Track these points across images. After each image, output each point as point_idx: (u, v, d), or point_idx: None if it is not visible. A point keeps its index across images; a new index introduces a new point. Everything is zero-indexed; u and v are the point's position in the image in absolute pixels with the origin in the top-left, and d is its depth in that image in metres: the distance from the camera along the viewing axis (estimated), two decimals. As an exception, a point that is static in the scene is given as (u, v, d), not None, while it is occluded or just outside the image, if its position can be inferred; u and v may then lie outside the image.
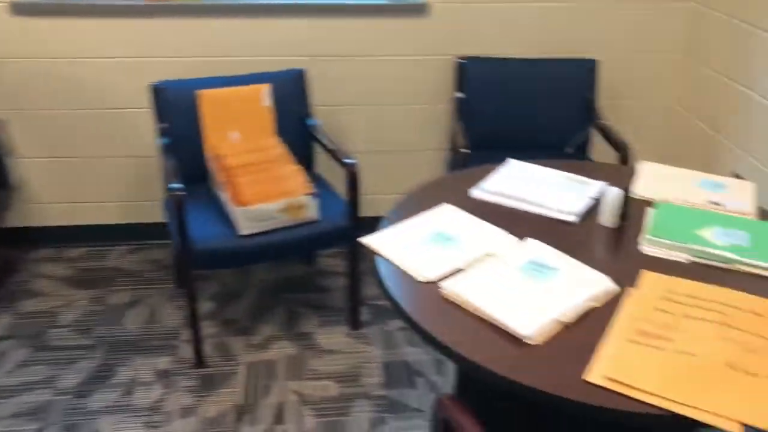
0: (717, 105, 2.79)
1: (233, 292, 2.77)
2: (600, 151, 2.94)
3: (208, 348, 2.45)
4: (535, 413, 1.75)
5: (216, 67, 2.79)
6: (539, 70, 2.83)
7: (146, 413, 2.16)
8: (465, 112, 2.83)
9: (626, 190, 1.67)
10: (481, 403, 1.66)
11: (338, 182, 2.76)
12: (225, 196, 2.31)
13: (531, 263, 1.48)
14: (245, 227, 2.20)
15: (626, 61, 2.99)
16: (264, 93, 2.55)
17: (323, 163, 2.84)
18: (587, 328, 1.31)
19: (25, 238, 3.04)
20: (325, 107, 2.92)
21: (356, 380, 2.31)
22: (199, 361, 2.36)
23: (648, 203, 1.80)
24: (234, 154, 2.37)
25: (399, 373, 2.35)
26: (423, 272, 1.46)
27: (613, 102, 3.05)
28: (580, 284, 1.41)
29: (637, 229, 1.67)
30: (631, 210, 1.75)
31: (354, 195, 2.32)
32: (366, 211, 3.10)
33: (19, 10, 2.63)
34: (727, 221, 1.68)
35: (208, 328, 2.55)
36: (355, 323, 2.56)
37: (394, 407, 2.21)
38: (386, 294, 1.42)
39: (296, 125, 2.64)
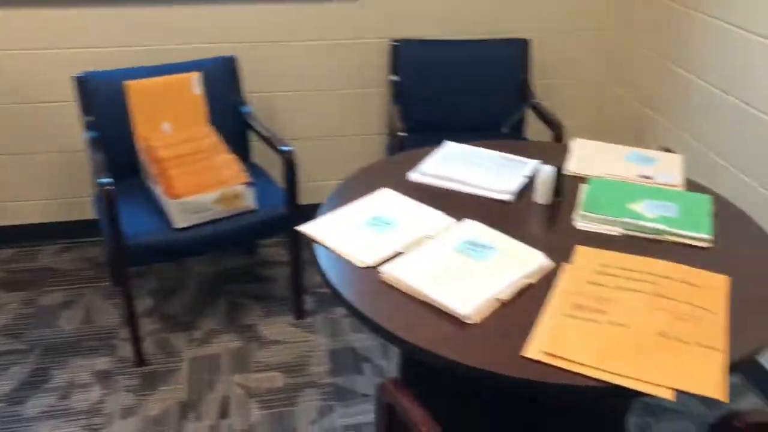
0: (646, 81, 2.86)
1: (172, 287, 2.70)
2: (535, 129, 2.98)
3: (148, 345, 2.39)
4: (479, 392, 1.77)
5: (144, 56, 2.70)
6: (473, 52, 2.85)
7: (86, 416, 2.09)
8: (401, 95, 2.83)
9: (559, 167, 1.69)
10: (427, 385, 1.67)
11: (276, 171, 2.71)
12: (158, 189, 2.24)
13: (468, 243, 1.48)
14: (180, 220, 2.15)
15: (556, 39, 3.03)
16: (194, 81, 2.48)
17: (259, 151, 2.79)
18: (524, 305, 1.32)
19: (-52, 241, 2.90)
20: (258, 94, 2.87)
21: (302, 370, 2.30)
22: (140, 359, 2.30)
23: (581, 179, 1.83)
24: (165, 145, 2.31)
25: (345, 360, 2.34)
26: (362, 258, 1.45)
27: (545, 81, 3.10)
28: (517, 262, 1.42)
29: (571, 205, 1.70)
30: (565, 187, 1.78)
31: (292, 183, 2.29)
32: (306, 198, 3.07)
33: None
34: (656, 194, 1.72)
35: (147, 325, 2.48)
36: (299, 312, 2.54)
37: (342, 394, 2.20)
38: (326, 282, 1.41)
39: (229, 113, 2.58)
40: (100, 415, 2.10)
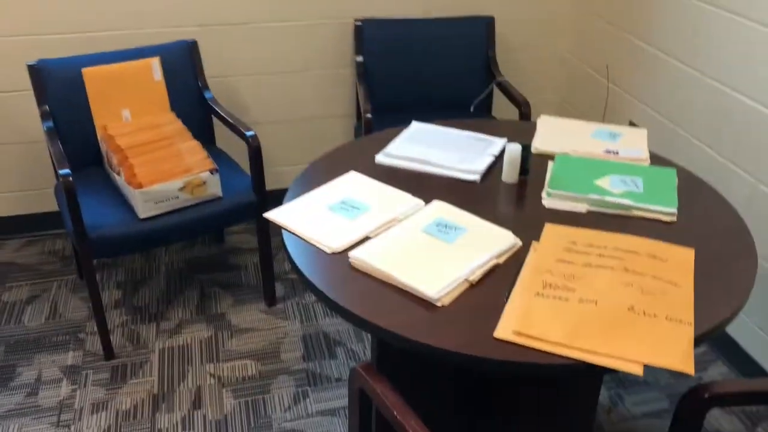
0: (609, 55, 2.87)
1: (141, 278, 2.66)
2: (502, 108, 2.98)
3: (117, 338, 2.35)
4: (451, 374, 1.78)
5: (101, 42, 2.62)
6: (438, 30, 2.82)
7: (54, 412, 2.05)
8: (366, 76, 2.80)
9: (526, 145, 1.69)
10: (401, 368, 1.67)
11: (241, 157, 2.67)
12: (120, 178, 2.19)
13: (437, 225, 1.47)
14: (144, 210, 2.10)
15: (519, 16, 3.01)
16: (154, 67, 2.42)
17: (223, 137, 2.74)
18: (494, 286, 1.32)
19: None
20: (220, 78, 2.81)
21: (275, 357, 2.28)
22: (109, 352, 2.26)
23: (548, 157, 1.83)
24: (126, 133, 2.25)
25: (318, 346, 2.33)
26: (330, 243, 1.43)
27: (509, 57, 3.09)
28: (485, 242, 1.42)
29: (539, 183, 1.70)
30: (533, 165, 1.77)
31: (258, 168, 2.25)
32: (273, 184, 3.04)
33: None
34: (622, 169, 1.73)
35: (116, 318, 2.44)
36: (270, 299, 2.52)
37: (316, 380, 2.19)
38: (295, 268, 1.39)
39: (192, 99, 2.53)
40: (70, 410, 2.06)
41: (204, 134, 2.56)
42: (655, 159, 1.84)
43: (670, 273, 1.34)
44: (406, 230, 1.46)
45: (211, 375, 2.20)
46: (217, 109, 2.48)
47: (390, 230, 1.46)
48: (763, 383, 1.35)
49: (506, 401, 1.80)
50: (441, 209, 1.54)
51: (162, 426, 2.02)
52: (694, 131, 2.37)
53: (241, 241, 2.90)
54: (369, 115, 2.47)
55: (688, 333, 1.19)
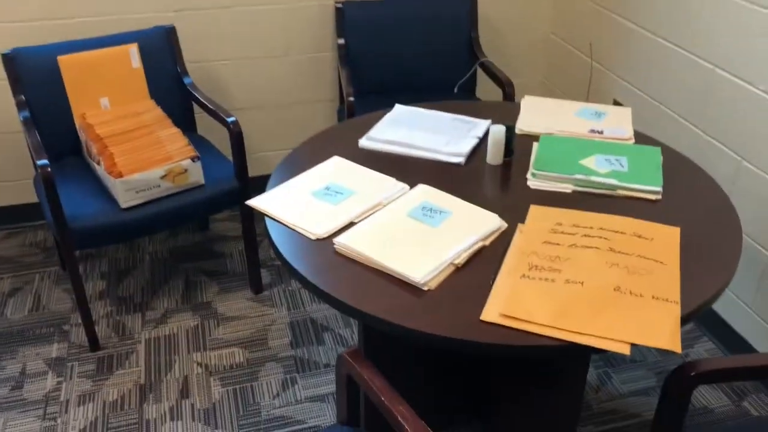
0: (592, 33, 2.85)
1: (125, 268, 2.63)
2: (486, 89, 2.96)
3: (102, 329, 2.32)
4: (440, 358, 1.77)
5: (77, 29, 2.57)
6: (420, 10, 2.79)
7: (40, 405, 2.03)
8: (349, 58, 2.76)
9: (510, 126, 1.67)
10: (389, 353, 1.66)
11: (222, 143, 2.64)
12: (100, 168, 2.16)
13: (422, 209, 1.46)
14: (125, 200, 2.07)
15: (504, -4, 2.99)
16: (132, 54, 2.37)
17: (204, 124, 2.70)
18: (480, 268, 1.31)
19: None
20: (200, 64, 2.77)
21: (263, 344, 2.27)
22: (94, 343, 2.24)
23: (533, 138, 1.82)
24: (105, 122, 2.21)
25: (306, 332, 2.32)
26: (314, 230, 1.41)
27: (492, 37, 3.06)
28: (471, 225, 1.41)
29: (524, 164, 1.69)
30: (517, 146, 1.76)
31: (240, 155, 2.22)
32: (256, 170, 3.01)
33: None
34: (607, 148, 1.72)
35: (101, 309, 2.41)
36: (256, 286, 2.50)
37: (304, 366, 2.18)
38: (279, 256, 1.37)
39: (171, 86, 2.49)
40: (56, 403, 2.04)
41: (185, 121, 2.53)
42: (640, 138, 1.83)
43: (656, 252, 1.34)
44: (390, 215, 1.45)
45: (198, 364, 2.19)
46: (197, 95, 2.45)
47: (375, 215, 1.45)
48: (746, 359, 1.35)
49: (495, 384, 1.81)
50: (426, 193, 1.53)
51: (150, 416, 2.00)
52: (679, 109, 2.37)
53: (226, 228, 2.87)
54: (352, 99, 2.44)
55: (675, 312, 1.19)
